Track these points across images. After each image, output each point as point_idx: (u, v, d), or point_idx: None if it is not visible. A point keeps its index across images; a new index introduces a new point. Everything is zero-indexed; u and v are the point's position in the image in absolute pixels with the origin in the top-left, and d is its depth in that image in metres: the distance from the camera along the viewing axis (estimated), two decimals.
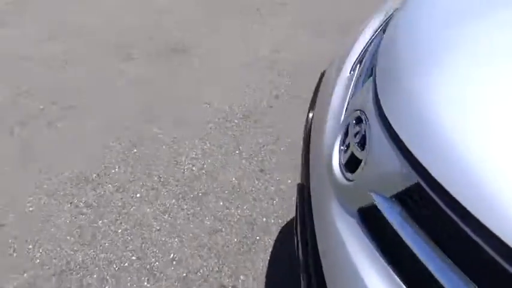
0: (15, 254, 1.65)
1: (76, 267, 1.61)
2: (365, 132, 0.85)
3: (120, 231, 1.75)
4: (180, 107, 2.40)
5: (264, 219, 1.86)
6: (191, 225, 1.81)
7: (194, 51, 2.90)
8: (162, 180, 1.99)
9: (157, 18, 3.29)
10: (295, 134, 2.25)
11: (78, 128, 2.25)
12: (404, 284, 0.70)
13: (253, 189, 1.98)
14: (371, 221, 0.80)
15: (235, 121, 2.33)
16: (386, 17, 1.38)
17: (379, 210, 0.76)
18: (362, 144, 0.85)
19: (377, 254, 0.75)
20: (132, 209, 1.86)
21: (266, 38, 3.08)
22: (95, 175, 2.00)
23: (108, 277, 1.58)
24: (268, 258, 1.68)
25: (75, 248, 1.68)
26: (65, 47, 2.93)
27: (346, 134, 0.95)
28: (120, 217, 1.82)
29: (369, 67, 1.07)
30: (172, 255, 1.67)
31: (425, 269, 0.66)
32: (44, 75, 2.66)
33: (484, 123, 0.67)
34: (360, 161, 0.84)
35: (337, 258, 0.80)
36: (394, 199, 0.74)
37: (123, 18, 3.27)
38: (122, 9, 3.40)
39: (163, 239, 1.73)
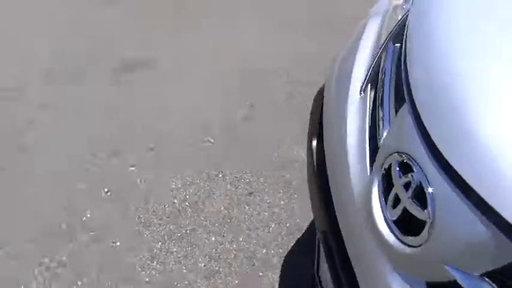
0: None
1: None
2: (420, 184, 0.69)
3: None
4: (147, 133, 2.17)
5: (264, 250, 1.68)
6: (184, 270, 1.61)
7: (154, 65, 2.65)
8: (142, 221, 1.77)
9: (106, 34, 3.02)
10: (279, 147, 2.08)
11: (33, 173, 1.98)
12: None
13: (245, 217, 1.80)
14: None
15: (212, 140, 2.13)
16: (387, 19, 1.23)
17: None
18: (419, 198, 0.69)
19: None
20: (114, 261, 1.64)
21: (232, 43, 2.88)
22: (64, 225, 1.75)
23: None
24: None
25: None
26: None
27: (384, 180, 0.79)
28: (102, 273, 1.59)
29: (391, 91, 0.91)
30: None
31: None
32: None
33: None
34: (421, 220, 0.68)
35: None
36: (485, 278, 0.59)
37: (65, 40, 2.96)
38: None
39: None
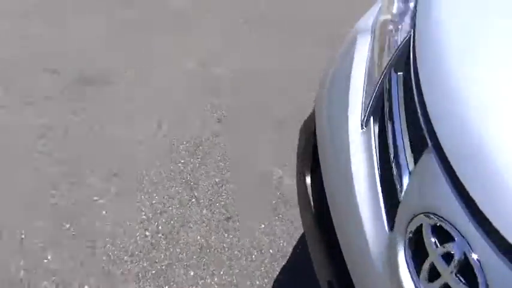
0: None
1: None
2: (465, 255, 0.59)
3: None
4: (111, 155, 1.99)
5: (248, 282, 1.56)
6: None
7: (112, 79, 2.45)
8: (112, 258, 1.61)
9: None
10: (253, 165, 1.95)
11: None
12: None
13: (224, 245, 1.67)
14: None
15: (181, 161, 1.97)
16: (377, 36, 1.12)
17: None
18: (464, 271, 0.59)
19: None
20: None
21: (194, 50, 2.71)
22: (22, 272, 1.56)
23: None
24: None
25: None
26: None
27: (411, 243, 0.68)
28: None
29: (403, 129, 0.80)
30: None
31: None
32: None
33: None
34: None
35: None
36: None
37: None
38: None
39: None
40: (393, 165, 0.78)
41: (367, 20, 1.24)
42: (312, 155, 1.04)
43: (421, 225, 0.67)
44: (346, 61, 1.11)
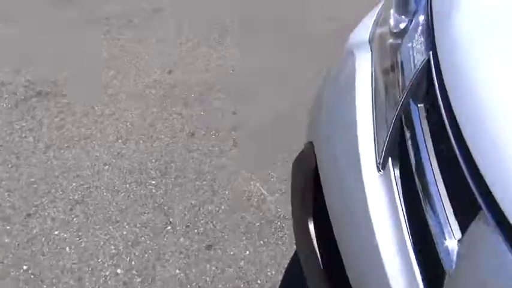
0: None
1: None
2: None
3: None
4: (70, 181, 1.78)
5: None
6: None
7: (66, 92, 2.22)
8: None
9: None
10: (231, 181, 1.79)
11: None
12: None
13: (207, 279, 1.50)
14: None
15: (152, 182, 1.79)
16: (377, 53, 0.98)
17: None
18: None
19: None
20: None
21: (152, 58, 2.50)
22: None
23: None
24: None
25: None
26: None
27: None
28: None
29: (438, 179, 0.66)
30: None
31: None
32: None
33: None
34: None
35: None
36: None
37: None
38: None
39: None
40: (430, 227, 0.64)
41: (362, 32, 1.10)
42: (313, 198, 0.90)
43: None
44: (346, 83, 0.96)
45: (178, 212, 1.68)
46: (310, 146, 0.96)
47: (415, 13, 1.00)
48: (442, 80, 0.72)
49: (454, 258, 0.59)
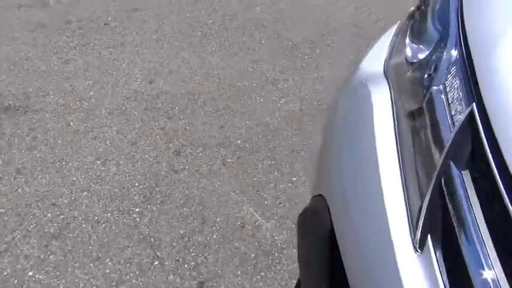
0: None
1: None
2: None
3: None
4: (45, 212, 1.61)
5: None
6: None
7: (38, 106, 2.03)
8: None
9: None
10: (222, 207, 1.65)
11: None
12: None
13: None
14: None
15: (136, 209, 1.63)
16: (396, 93, 0.85)
17: None
18: None
19: None
20: None
21: (131, 66, 2.32)
22: None
23: None
24: None
25: None
26: None
27: None
28: None
29: (496, 265, 0.54)
30: None
31: None
32: None
33: None
34: None
35: None
36: None
37: None
38: None
39: None
40: None
41: (374, 62, 0.96)
42: (329, 273, 0.76)
43: None
44: (363, 126, 0.83)
45: (165, 244, 1.54)
46: (321, 201, 0.82)
47: (438, 42, 0.87)
48: (495, 140, 0.59)
49: None
